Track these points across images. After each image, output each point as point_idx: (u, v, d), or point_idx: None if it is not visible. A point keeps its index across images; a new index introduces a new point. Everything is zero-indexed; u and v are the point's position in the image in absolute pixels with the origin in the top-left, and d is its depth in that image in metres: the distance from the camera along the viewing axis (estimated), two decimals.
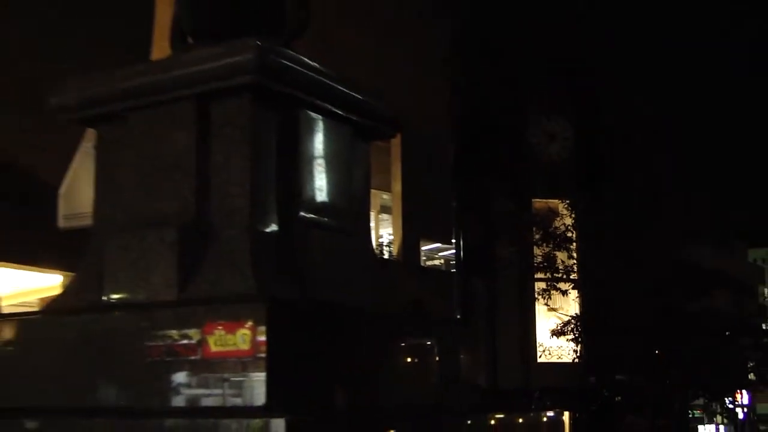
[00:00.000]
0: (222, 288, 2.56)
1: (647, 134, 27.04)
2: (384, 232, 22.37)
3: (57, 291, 14.41)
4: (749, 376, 29.02)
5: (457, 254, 24.77)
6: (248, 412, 2.37)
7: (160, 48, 15.23)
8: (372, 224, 14.95)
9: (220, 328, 2.42)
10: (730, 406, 32.04)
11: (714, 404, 31.46)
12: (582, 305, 26.42)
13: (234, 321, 2.40)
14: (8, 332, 2.94)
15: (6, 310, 13.24)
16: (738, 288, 33.24)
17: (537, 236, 26.40)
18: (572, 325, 25.22)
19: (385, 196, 21.50)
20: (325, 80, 2.84)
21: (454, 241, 24.60)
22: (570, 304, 26.09)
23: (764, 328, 35.16)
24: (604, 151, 27.63)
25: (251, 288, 2.52)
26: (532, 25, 26.75)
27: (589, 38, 27.97)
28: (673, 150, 27.97)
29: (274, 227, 2.65)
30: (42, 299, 15.56)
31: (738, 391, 31.44)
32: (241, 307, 2.43)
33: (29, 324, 3.09)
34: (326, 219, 2.86)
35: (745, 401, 35.86)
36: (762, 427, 43.93)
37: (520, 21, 27.00)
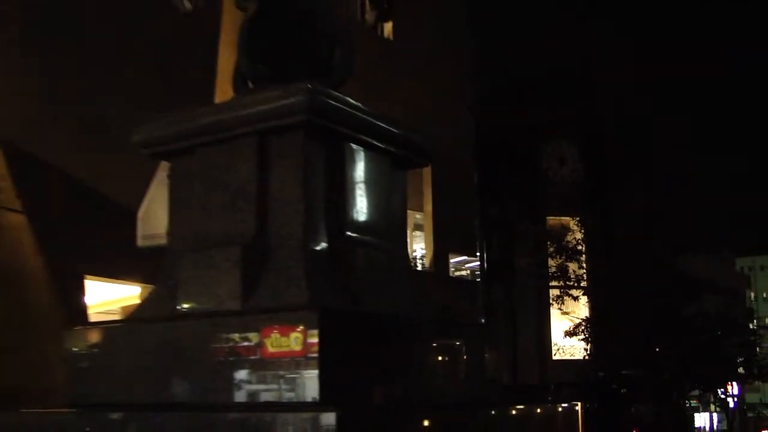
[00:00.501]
0: (279, 299, 2.57)
1: (646, 159, 27.23)
2: (417, 247, 22.53)
3: (136, 301, 14.48)
4: (738, 370, 28.82)
5: (481, 265, 24.95)
6: (302, 406, 2.38)
7: (223, 89, 15.35)
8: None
9: (276, 331, 2.43)
10: (722, 396, 31.84)
11: (708, 394, 31.25)
12: (591, 309, 26.52)
13: (289, 325, 2.42)
14: (97, 338, 2.97)
15: (93, 318, 13.33)
16: (727, 293, 33.05)
17: (551, 249, 26.61)
18: (583, 327, 25.26)
19: (418, 216, 21.70)
20: (367, 118, 2.85)
21: (478, 254, 24.82)
22: (581, 308, 26.19)
23: (751, 327, 35.31)
24: (609, 174, 27.67)
25: (305, 299, 2.53)
26: (544, 72, 27.15)
27: (595, 81, 28.26)
28: (669, 172, 28.02)
29: (324, 245, 2.67)
30: (123, 307, 15.64)
31: (729, 382, 31.24)
32: (295, 315, 2.45)
33: (115, 331, 3.13)
34: (369, 237, 2.87)
35: (735, 392, 35.69)
36: (750, 414, 44.14)
37: (534, 69, 27.43)
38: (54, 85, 13.55)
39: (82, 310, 13.09)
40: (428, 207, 22.06)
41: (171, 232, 3.17)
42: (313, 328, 2.41)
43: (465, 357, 3.10)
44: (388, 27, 21.53)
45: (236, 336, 2.50)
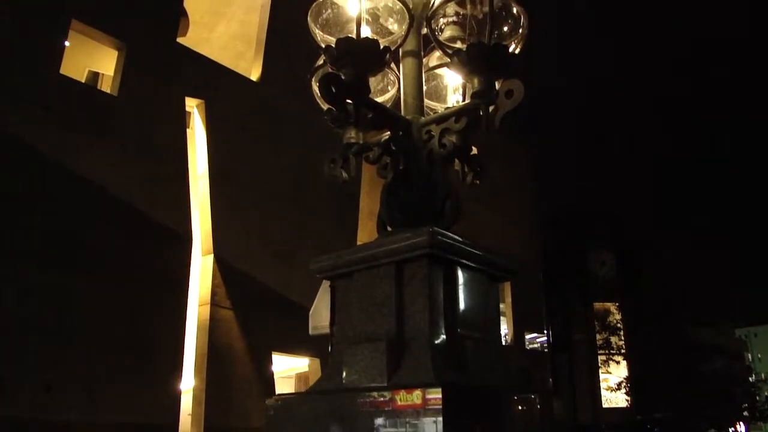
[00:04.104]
0: (414, 378, 2.57)
1: (663, 260, 27.19)
2: (502, 328, 22.41)
3: (305, 369, 14.48)
4: (744, 413, 27.94)
5: (548, 340, 24.70)
6: None
7: (364, 224, 15.57)
8: None
9: (404, 392, 2.42)
10: None
11: None
12: (629, 370, 26.04)
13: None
14: (290, 405, 3.01)
15: (277, 382, 13.37)
16: (730, 355, 31.85)
17: (598, 327, 26.41)
18: (624, 383, 24.80)
19: (501, 305, 21.50)
20: (469, 249, 2.88)
21: (545, 331, 24.62)
22: (621, 370, 25.68)
23: (751, 381, 34.67)
24: (637, 271, 27.54)
25: (431, 378, 2.52)
26: (588, 203, 27.55)
27: (624, 210, 28.58)
28: (681, 267, 27.76)
29: (442, 339, 2.67)
30: (297, 374, 15.63)
31: (737, 423, 30.08)
32: (425, 388, 2.47)
33: (301, 400, 3.15)
34: (473, 332, 2.86)
35: (742, 430, 34.13)
36: None
37: (582, 200, 27.82)
38: (259, 226, 13.97)
39: (270, 375, 13.16)
40: (508, 299, 22.02)
41: (335, 329, 3.21)
42: (436, 395, 2.40)
43: (539, 407, 3.05)
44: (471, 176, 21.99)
45: (381, 400, 2.52)
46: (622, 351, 25.41)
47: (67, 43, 11.85)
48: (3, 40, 10.75)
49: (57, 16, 11.53)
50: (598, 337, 25.52)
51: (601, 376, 25.36)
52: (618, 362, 25.10)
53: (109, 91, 12.60)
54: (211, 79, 14.12)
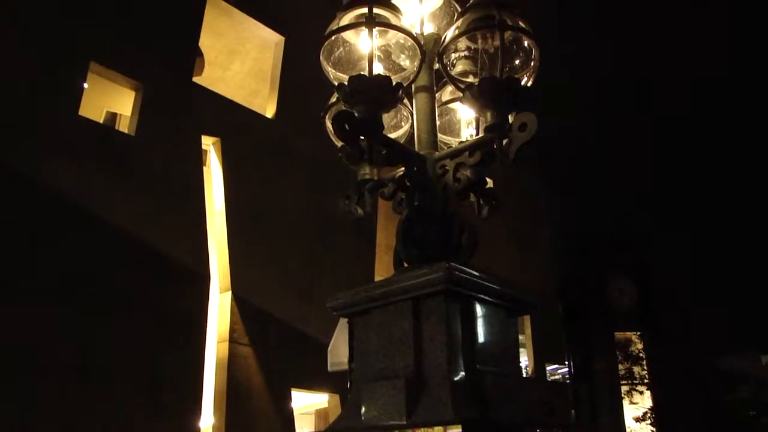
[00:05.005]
0: (433, 415, 2.55)
1: (685, 288, 27.04)
2: (523, 359, 22.16)
3: (324, 405, 14.38)
4: None
5: (569, 371, 24.45)
6: None
7: (381, 259, 15.55)
8: None
9: (424, 429, 2.45)
10: None
11: None
12: (653, 401, 25.71)
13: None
14: None
15: (297, 418, 13.29)
16: (757, 383, 31.26)
17: (620, 356, 26.19)
18: (648, 414, 24.51)
19: (521, 337, 21.34)
20: (486, 283, 2.86)
21: (566, 362, 24.38)
22: (646, 400, 25.35)
23: None
24: (657, 300, 27.39)
25: (450, 414, 2.50)
26: (606, 231, 27.58)
27: (642, 237, 28.59)
28: (707, 294, 27.47)
29: (462, 375, 2.65)
30: (317, 410, 15.52)
31: None
32: (445, 425, 2.45)
33: None
34: (493, 368, 2.83)
35: None
36: None
37: (598, 228, 27.95)
38: (275, 262, 13.99)
39: (290, 412, 13.07)
40: (528, 330, 21.84)
41: (354, 366, 3.18)
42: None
43: None
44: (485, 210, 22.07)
45: None
46: (646, 381, 25.05)
47: (85, 85, 12.04)
48: (23, 82, 10.95)
49: (76, 59, 11.73)
50: (620, 366, 25.20)
51: (625, 407, 24.99)
52: (641, 392, 24.74)
53: (126, 131, 12.75)
54: (227, 116, 14.26)
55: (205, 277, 12.52)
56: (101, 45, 12.17)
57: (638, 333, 25.90)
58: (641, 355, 25.45)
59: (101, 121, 14.12)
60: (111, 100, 14.55)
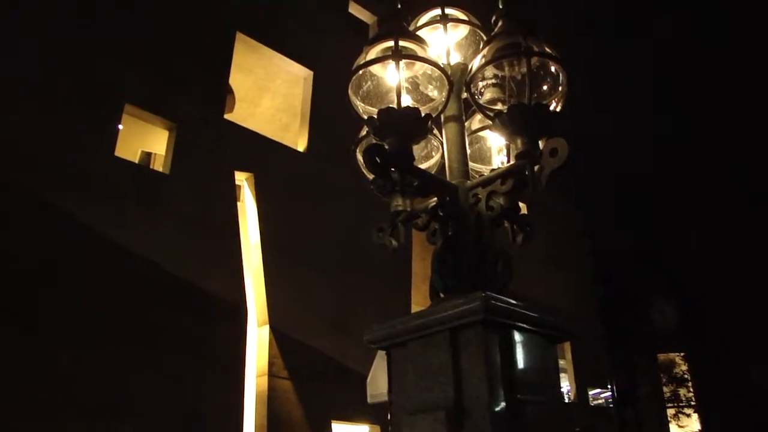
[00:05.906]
0: None
1: (723, 309, 26.69)
2: (564, 385, 21.78)
3: None
4: None
5: (612, 395, 23.99)
6: None
7: (418, 289, 15.50)
8: None
9: None
10: None
11: None
12: (701, 423, 25.04)
13: None
14: None
15: None
16: None
17: (664, 378, 25.63)
18: None
19: (562, 362, 21.03)
20: (524, 311, 2.83)
21: (609, 386, 23.94)
22: (693, 423, 24.72)
23: None
24: (699, 320, 26.86)
25: None
26: (647, 255, 27.37)
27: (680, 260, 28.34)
28: (752, 311, 27.01)
29: (502, 405, 2.61)
30: None
31: None
32: None
33: None
34: (534, 396, 2.79)
35: None
36: None
37: (641, 252, 27.74)
38: (312, 295, 14.00)
39: None
40: (568, 355, 21.48)
41: (393, 398, 3.15)
42: None
43: None
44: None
45: None
46: (692, 403, 24.50)
47: (120, 126, 12.28)
48: (62, 124, 11.22)
49: (111, 102, 11.99)
50: (665, 389, 24.67)
51: (673, 430, 24.43)
52: (689, 415, 24.18)
53: (161, 170, 12.95)
54: (259, 152, 14.42)
55: (243, 312, 12.59)
56: (135, 87, 12.43)
57: (682, 354, 25.38)
58: (686, 376, 24.91)
59: (136, 161, 14.37)
60: (146, 140, 14.82)
